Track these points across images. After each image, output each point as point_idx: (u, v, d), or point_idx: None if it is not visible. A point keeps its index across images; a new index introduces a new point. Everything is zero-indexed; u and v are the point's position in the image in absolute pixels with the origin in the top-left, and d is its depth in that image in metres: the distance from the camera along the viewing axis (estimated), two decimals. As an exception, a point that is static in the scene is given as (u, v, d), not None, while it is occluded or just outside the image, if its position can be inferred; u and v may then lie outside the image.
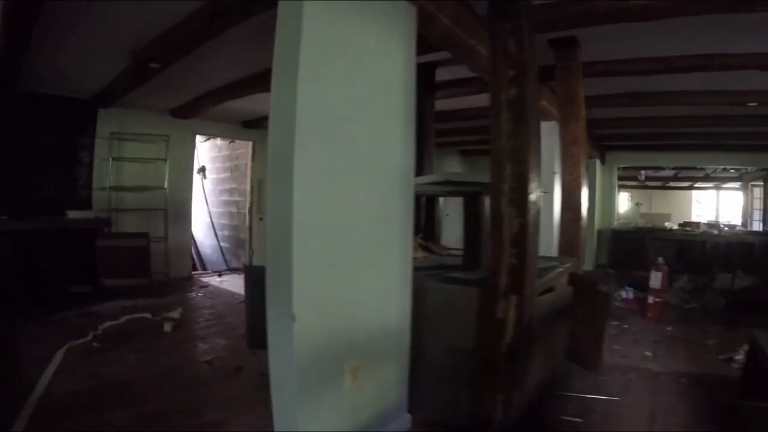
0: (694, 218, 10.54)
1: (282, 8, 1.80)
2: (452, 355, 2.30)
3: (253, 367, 3.06)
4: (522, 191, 2.05)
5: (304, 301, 1.71)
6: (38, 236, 4.59)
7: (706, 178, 10.39)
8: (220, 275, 6.76)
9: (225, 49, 3.46)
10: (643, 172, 10.13)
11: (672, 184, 11.64)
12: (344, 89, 1.87)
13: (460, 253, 3.02)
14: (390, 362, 2.17)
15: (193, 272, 6.70)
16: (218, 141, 7.95)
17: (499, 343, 2.08)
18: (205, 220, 8.23)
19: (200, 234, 8.35)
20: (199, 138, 6.98)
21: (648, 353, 3.54)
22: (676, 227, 8.78)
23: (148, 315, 4.24)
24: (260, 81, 4.09)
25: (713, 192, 11.89)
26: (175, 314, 4.34)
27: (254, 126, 6.84)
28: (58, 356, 3.15)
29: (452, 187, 2.82)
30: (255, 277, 2.56)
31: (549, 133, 4.29)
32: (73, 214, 4.81)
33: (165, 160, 5.81)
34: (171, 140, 5.85)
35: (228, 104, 5.28)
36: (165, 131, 5.81)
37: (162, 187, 5.80)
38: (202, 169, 7.98)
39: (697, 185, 11.63)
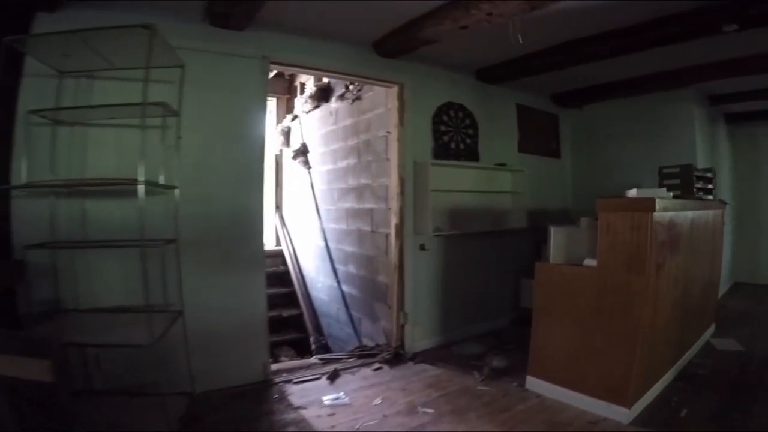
0: None
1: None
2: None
3: None
4: None
5: None
6: None
7: None
8: (332, 378, 2.88)
9: None
10: None
11: None
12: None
13: None
14: None
15: (274, 365, 2.99)
16: (332, 104, 4.36)
17: None
18: (316, 243, 4.65)
19: (310, 267, 4.79)
20: (299, 107, 3.42)
21: None
22: None
23: None
24: None
25: None
26: None
27: (403, 51, 2.98)
28: None
29: None
30: None
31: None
32: None
33: (176, 114, 2.16)
34: (203, 69, 2.31)
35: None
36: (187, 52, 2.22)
37: (170, 186, 2.21)
38: (302, 152, 4.41)
39: None
